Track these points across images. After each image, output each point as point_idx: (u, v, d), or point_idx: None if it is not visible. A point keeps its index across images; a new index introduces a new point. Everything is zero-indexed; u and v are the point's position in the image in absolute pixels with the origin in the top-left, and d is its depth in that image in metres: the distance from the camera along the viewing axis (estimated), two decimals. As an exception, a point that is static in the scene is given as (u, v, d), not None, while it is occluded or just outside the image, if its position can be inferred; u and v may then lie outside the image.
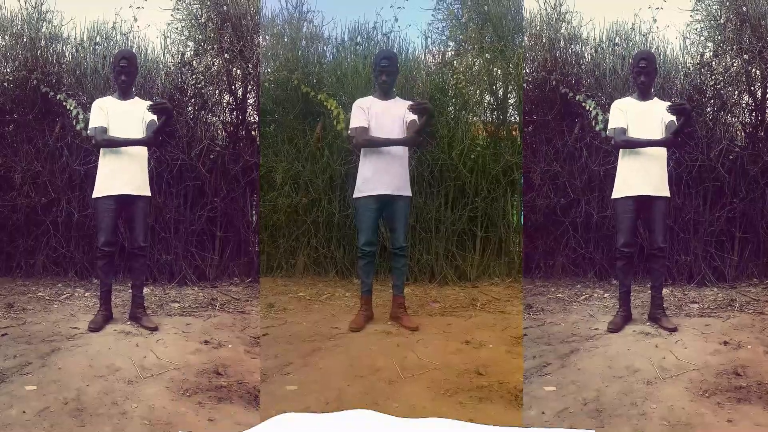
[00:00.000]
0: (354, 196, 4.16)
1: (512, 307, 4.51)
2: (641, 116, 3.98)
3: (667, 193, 3.96)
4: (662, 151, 3.97)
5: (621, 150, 4.01)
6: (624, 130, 3.99)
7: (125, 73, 4.08)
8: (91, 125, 4.04)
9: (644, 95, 4.04)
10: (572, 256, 5.11)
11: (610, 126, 4.04)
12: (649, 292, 4.10)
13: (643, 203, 3.95)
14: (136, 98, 4.16)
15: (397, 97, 4.23)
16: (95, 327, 3.92)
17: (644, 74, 4.00)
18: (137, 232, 4.05)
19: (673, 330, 3.83)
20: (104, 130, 3.99)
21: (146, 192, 4.07)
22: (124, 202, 3.99)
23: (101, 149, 4.01)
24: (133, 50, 4.98)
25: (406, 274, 4.35)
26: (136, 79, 4.25)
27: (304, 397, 3.11)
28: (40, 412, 2.92)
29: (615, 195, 4.02)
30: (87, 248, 5.05)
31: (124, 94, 4.11)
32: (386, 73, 4.14)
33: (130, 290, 4.14)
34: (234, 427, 2.92)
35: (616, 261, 4.11)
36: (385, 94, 4.17)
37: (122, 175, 3.97)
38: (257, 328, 4.06)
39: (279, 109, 5.65)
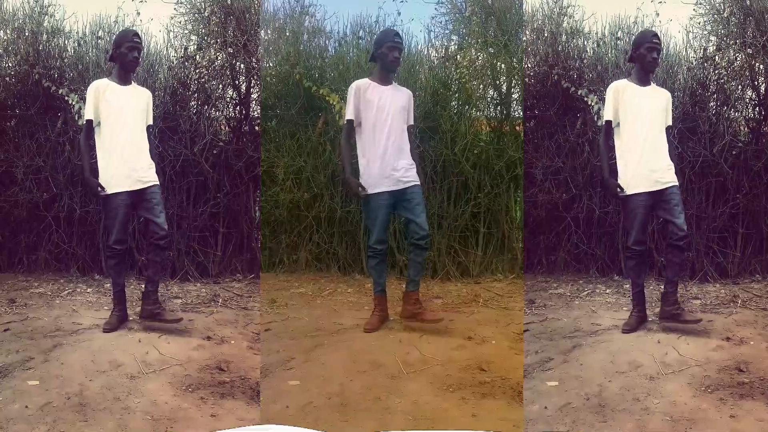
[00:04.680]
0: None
1: (515, 304, 4.50)
2: (639, 103, 3.82)
3: (676, 181, 3.80)
4: (662, 141, 3.81)
5: (617, 145, 3.87)
6: (610, 125, 3.89)
7: (138, 49, 3.90)
8: (85, 116, 3.89)
9: (647, 76, 3.87)
10: (574, 251, 5.10)
11: (604, 116, 3.94)
12: (650, 288, 4.07)
13: (654, 196, 3.78)
14: (134, 84, 4.00)
15: (395, 83, 4.09)
16: (110, 328, 3.83)
17: (657, 51, 3.82)
18: (156, 222, 3.84)
19: (698, 321, 3.75)
20: (91, 125, 3.84)
21: (153, 180, 3.88)
22: (133, 196, 3.83)
23: (96, 141, 3.85)
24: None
25: (423, 269, 4.13)
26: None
27: (307, 392, 3.12)
28: (43, 407, 2.92)
29: (626, 193, 3.83)
30: (89, 244, 5.06)
31: (126, 75, 3.92)
32: (399, 49, 3.97)
33: (144, 286, 3.96)
34: (236, 422, 2.93)
35: (627, 260, 3.97)
36: (387, 78, 4.02)
37: (125, 169, 3.81)
38: (260, 324, 4.06)
39: (280, 104, 5.64)
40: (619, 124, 3.88)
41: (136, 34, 3.95)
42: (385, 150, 3.91)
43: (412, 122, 4.12)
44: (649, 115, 3.81)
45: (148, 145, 3.95)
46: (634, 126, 3.83)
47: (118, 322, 3.90)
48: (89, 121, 3.86)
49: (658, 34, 3.95)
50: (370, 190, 3.92)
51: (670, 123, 3.91)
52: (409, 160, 3.99)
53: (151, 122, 4.04)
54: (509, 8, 5.48)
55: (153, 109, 4.08)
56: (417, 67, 5.56)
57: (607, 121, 3.91)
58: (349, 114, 3.98)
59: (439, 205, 5.27)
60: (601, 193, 4.99)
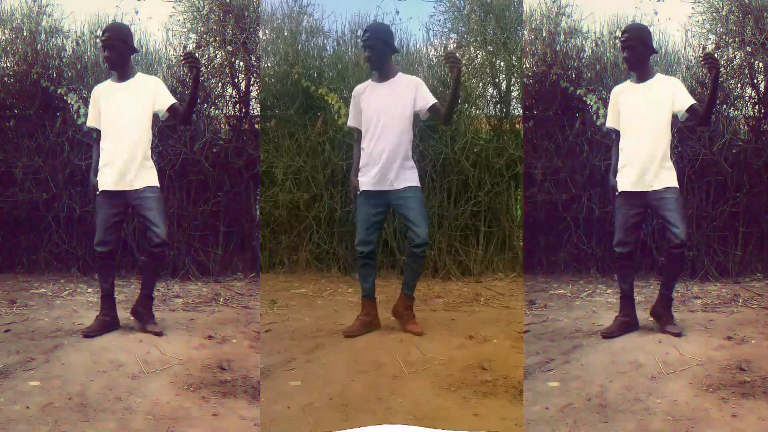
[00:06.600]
0: None
1: (516, 302, 4.50)
2: (637, 101, 3.66)
3: (671, 183, 3.60)
4: (660, 141, 3.61)
5: (620, 147, 3.75)
6: (614, 132, 3.79)
7: (108, 47, 3.62)
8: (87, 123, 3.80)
9: (639, 74, 3.68)
10: (574, 252, 5.10)
11: (606, 124, 3.86)
12: (651, 288, 4.06)
13: (640, 198, 3.66)
14: (139, 75, 3.75)
15: (400, 74, 3.85)
16: (89, 333, 3.68)
17: (627, 48, 3.59)
18: (153, 228, 3.62)
19: (678, 335, 3.63)
20: (95, 131, 3.75)
21: (149, 182, 3.66)
22: (124, 198, 3.67)
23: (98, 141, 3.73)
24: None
25: (420, 275, 3.99)
26: (131, 55, 3.74)
27: (308, 392, 3.11)
28: (44, 408, 2.91)
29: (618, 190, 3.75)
30: (89, 244, 5.03)
31: (120, 72, 3.69)
32: (368, 47, 3.73)
33: (139, 289, 3.87)
34: (238, 421, 2.92)
35: (614, 262, 3.95)
36: (382, 75, 3.81)
37: (117, 169, 3.62)
38: (261, 324, 4.06)
39: (279, 104, 5.64)
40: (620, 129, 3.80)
41: (105, 30, 3.70)
42: (372, 150, 3.77)
43: (431, 101, 3.73)
44: (645, 112, 3.64)
45: (143, 138, 3.68)
46: (629, 126, 3.71)
47: (100, 327, 3.74)
48: (91, 128, 3.80)
49: (634, 25, 3.79)
50: (358, 189, 3.84)
51: (683, 107, 3.57)
52: (402, 162, 3.75)
53: (171, 102, 3.70)
54: (508, 6, 5.48)
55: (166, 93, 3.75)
56: (416, 65, 5.56)
57: (610, 129, 3.85)
58: (351, 121, 3.94)
59: (440, 204, 5.27)
60: (601, 192, 4.99)
